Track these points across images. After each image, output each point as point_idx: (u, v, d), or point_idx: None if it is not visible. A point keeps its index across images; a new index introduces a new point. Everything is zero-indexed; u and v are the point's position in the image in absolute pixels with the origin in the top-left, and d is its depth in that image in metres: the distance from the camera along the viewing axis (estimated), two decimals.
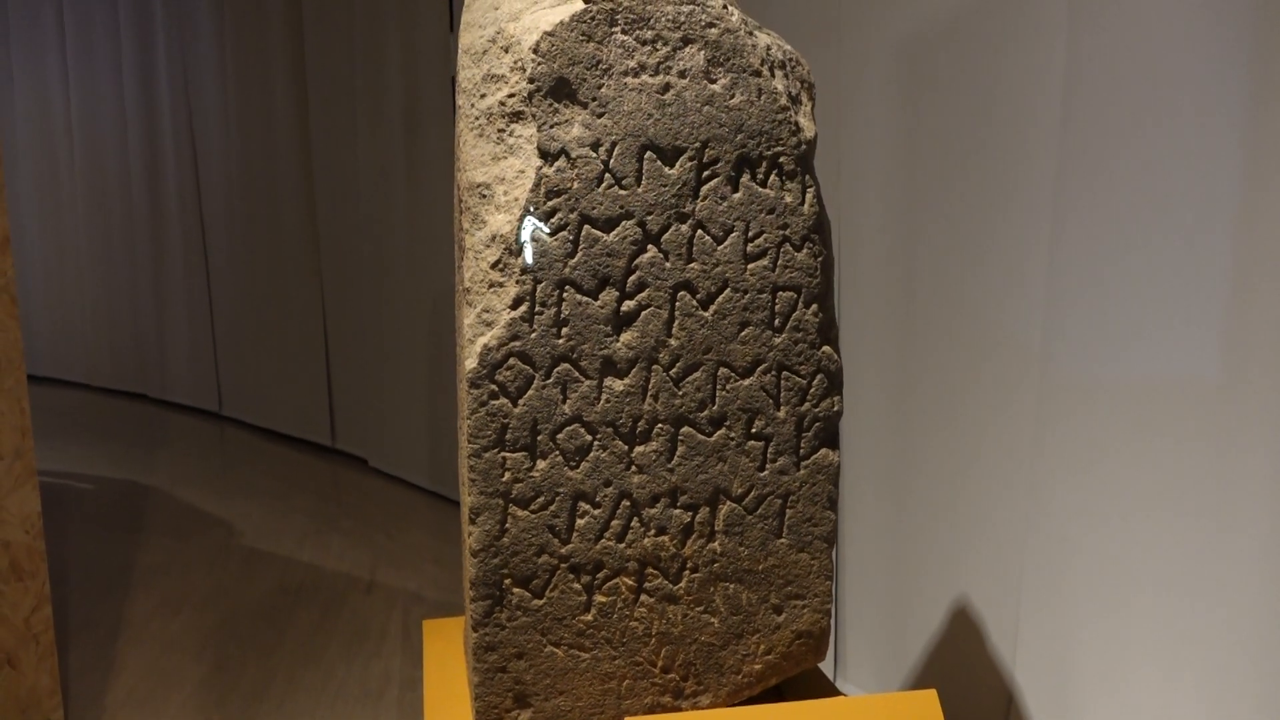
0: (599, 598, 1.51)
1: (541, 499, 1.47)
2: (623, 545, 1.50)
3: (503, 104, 1.43)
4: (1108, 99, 1.90)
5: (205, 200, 5.39)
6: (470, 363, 1.43)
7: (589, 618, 1.51)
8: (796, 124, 1.47)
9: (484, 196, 1.44)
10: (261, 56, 4.88)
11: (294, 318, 5.02)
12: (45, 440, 5.23)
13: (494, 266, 1.43)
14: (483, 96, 1.45)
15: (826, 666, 2.77)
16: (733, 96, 1.44)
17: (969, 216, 2.21)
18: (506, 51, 1.43)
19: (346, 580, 3.50)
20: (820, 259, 1.50)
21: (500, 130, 1.44)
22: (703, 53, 1.42)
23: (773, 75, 1.46)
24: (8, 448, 2.31)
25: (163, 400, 5.95)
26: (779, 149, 1.46)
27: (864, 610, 2.66)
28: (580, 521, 1.49)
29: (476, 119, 1.45)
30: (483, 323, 1.44)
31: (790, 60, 1.52)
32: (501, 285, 1.43)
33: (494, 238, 1.43)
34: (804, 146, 1.47)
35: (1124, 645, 1.99)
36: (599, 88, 1.41)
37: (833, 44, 2.46)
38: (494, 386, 1.43)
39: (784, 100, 1.46)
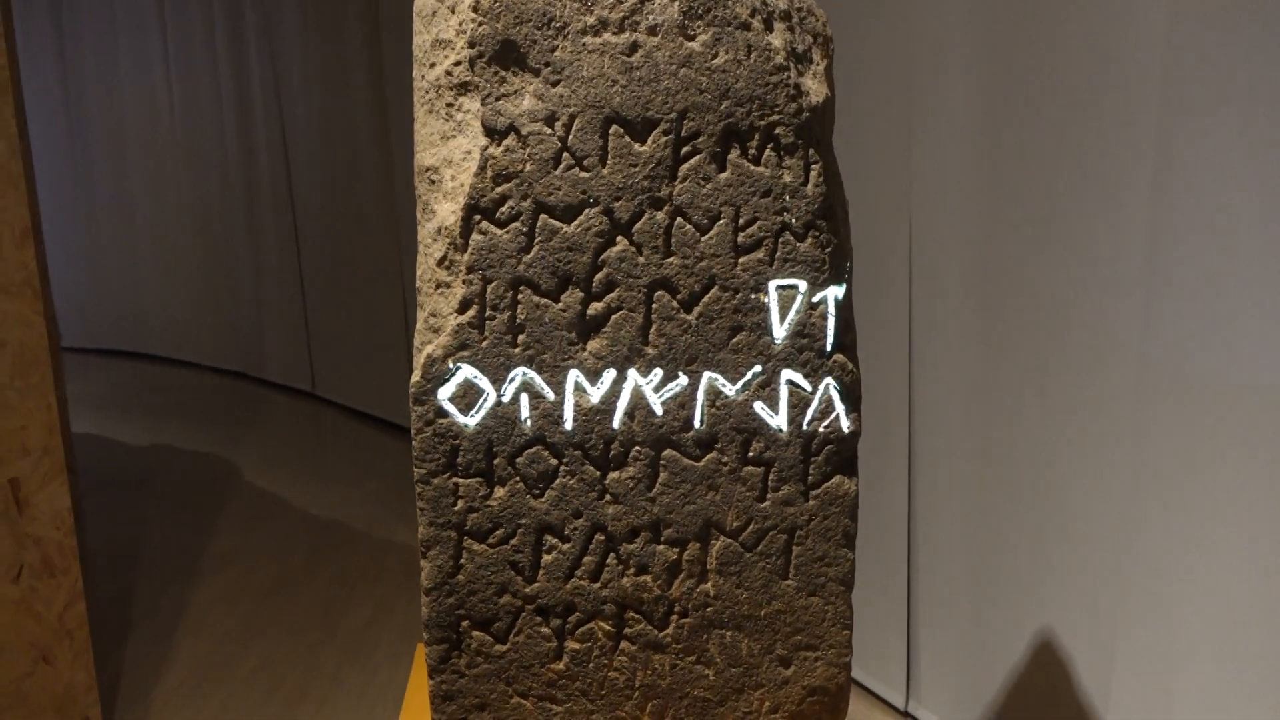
0: (571, 644, 1.31)
1: (501, 531, 1.28)
2: (598, 585, 1.30)
3: (449, 74, 1.23)
4: (1217, 74, 1.59)
5: (296, 185, 5.42)
6: (414, 375, 1.24)
7: (560, 666, 1.32)
8: (796, 86, 1.21)
9: (433, 183, 1.25)
10: (341, 49, 4.86)
11: (379, 301, 4.99)
12: (147, 419, 5.39)
13: (440, 263, 1.23)
14: (432, 66, 1.25)
15: (897, 689, 2.51)
16: (715, 56, 1.19)
17: (1059, 200, 1.91)
18: (453, 12, 1.22)
19: (405, 572, 3.41)
20: (829, 250, 1.24)
21: (449, 105, 1.23)
22: (676, 3, 1.18)
23: (767, 28, 1.20)
24: (36, 444, 2.27)
25: (262, 380, 6.05)
26: (774, 118, 1.21)
27: (939, 631, 2.38)
28: (547, 557, 1.29)
29: (426, 92, 1.25)
30: (430, 329, 1.25)
31: (798, 10, 1.26)
32: (448, 285, 1.23)
33: (440, 230, 1.23)
34: (806, 114, 1.21)
35: (1233, 685, 1.69)
36: (552, 50, 1.19)
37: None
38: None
39: (780, 58, 1.20)
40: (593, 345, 1.23)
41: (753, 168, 1.21)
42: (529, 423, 1.25)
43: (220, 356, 6.34)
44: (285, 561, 3.53)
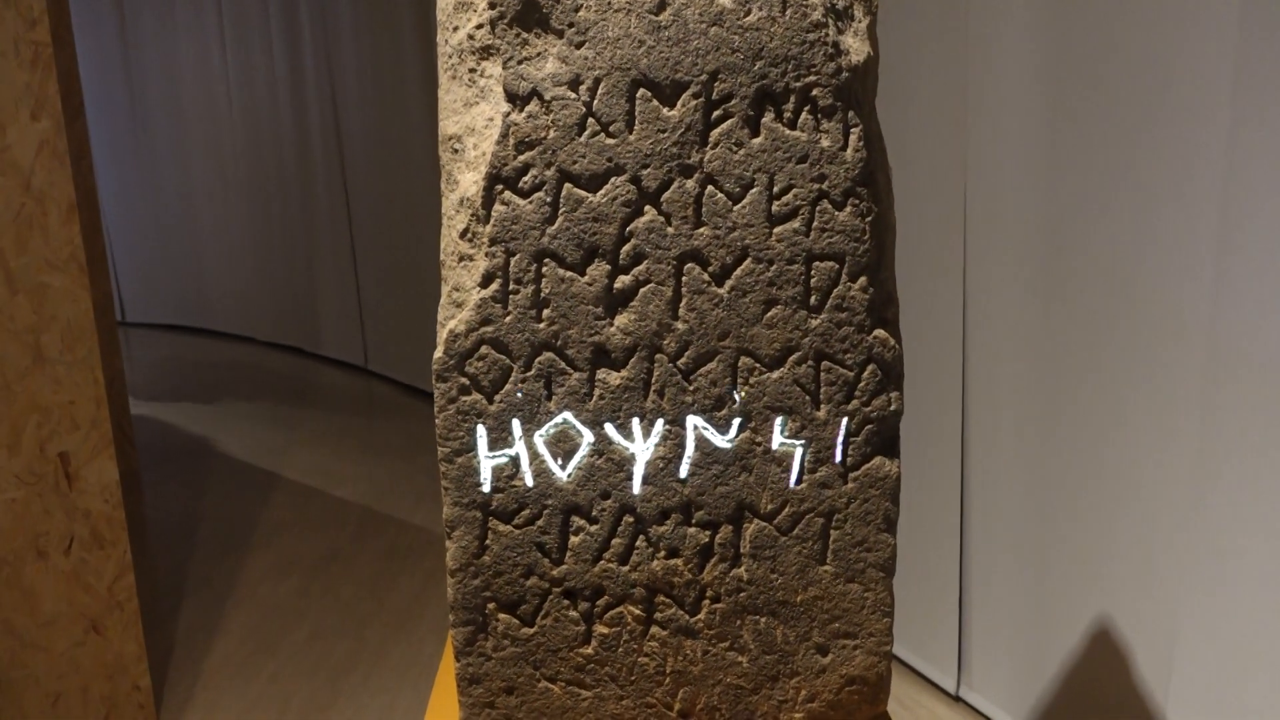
0: (600, 628, 1.27)
1: (527, 512, 1.24)
2: (626, 568, 1.25)
3: (471, 37, 1.18)
4: None
5: (348, 163, 5.45)
6: (436, 351, 1.21)
7: (589, 650, 1.28)
8: (835, 45, 1.14)
9: (455, 152, 1.21)
10: (394, 26, 4.85)
11: (429, 278, 4.99)
12: (206, 392, 5.48)
13: (462, 236, 1.19)
14: (455, 30, 1.20)
15: (948, 672, 2.44)
16: (748, 13, 1.12)
17: (1126, 170, 1.80)
18: None
19: None
20: (870, 219, 1.17)
21: (471, 70, 1.19)
22: None
23: None
24: (84, 418, 2.30)
25: (317, 354, 6.12)
26: (811, 79, 1.14)
27: (992, 614, 2.31)
28: (574, 539, 1.25)
29: (449, 58, 1.21)
30: (453, 303, 1.21)
31: None
32: (470, 258, 1.19)
33: (462, 201, 1.19)
34: (846, 74, 1.14)
35: None
36: (576, 10, 1.13)
37: None
38: (464, 380, 1.20)
39: (817, 14, 1.13)
40: (620, 320, 1.19)
41: (788, 132, 1.15)
42: (554, 400, 1.20)
43: (277, 331, 6.42)
44: (336, 534, 3.56)
